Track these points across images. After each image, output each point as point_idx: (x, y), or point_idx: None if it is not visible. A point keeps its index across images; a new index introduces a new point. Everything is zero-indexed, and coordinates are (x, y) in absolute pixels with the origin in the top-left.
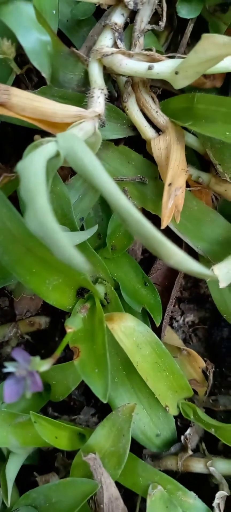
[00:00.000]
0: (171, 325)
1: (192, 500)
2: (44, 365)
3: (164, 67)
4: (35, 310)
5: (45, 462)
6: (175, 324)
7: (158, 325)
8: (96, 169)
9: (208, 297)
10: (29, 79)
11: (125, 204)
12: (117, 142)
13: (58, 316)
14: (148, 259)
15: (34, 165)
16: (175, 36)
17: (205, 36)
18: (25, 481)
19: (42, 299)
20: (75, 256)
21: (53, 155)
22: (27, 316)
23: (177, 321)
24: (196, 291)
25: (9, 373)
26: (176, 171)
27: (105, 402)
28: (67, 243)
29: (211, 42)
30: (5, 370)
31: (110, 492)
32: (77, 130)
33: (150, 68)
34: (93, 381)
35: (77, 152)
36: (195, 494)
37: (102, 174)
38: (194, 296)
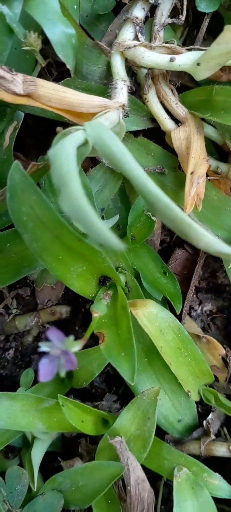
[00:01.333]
0: (189, 314)
1: (217, 481)
2: (76, 346)
3: (186, 59)
4: (56, 299)
5: (68, 449)
6: (193, 313)
7: (178, 312)
8: (125, 155)
9: (225, 287)
10: (50, 73)
11: (153, 189)
12: (135, 134)
13: (79, 306)
14: (166, 250)
15: (65, 151)
16: (190, 31)
17: (228, 27)
18: (48, 468)
19: (63, 289)
20: (110, 236)
21: (82, 143)
22: (49, 305)
23: (195, 310)
24: (213, 281)
25: (42, 354)
26: (198, 160)
27: (132, 384)
28: (102, 225)
29: None
30: (40, 350)
31: (136, 475)
32: (103, 120)
33: (171, 60)
34: (120, 364)
35: (105, 139)
36: (220, 476)
37: (131, 160)
38: (212, 286)
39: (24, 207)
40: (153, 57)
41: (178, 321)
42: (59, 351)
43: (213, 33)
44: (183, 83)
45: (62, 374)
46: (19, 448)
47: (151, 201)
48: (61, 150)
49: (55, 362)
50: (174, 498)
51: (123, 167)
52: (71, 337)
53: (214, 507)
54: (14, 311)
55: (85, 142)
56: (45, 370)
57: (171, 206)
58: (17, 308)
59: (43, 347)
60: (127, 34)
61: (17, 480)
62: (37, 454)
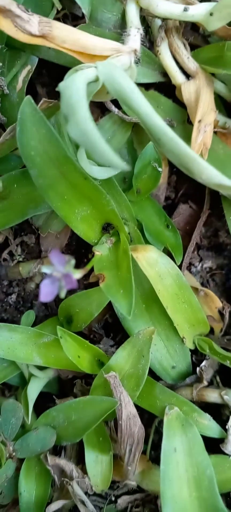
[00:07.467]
0: (189, 270)
1: (206, 421)
2: (77, 273)
3: (199, 9)
4: (60, 248)
5: (63, 391)
6: (193, 270)
7: (178, 263)
8: (134, 91)
9: (227, 245)
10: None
11: (160, 123)
12: (146, 87)
13: (82, 256)
14: (170, 206)
15: (76, 83)
16: None
17: None
18: (43, 408)
19: (67, 238)
20: (114, 157)
21: (93, 80)
22: None
23: (195, 266)
24: (215, 240)
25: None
26: (206, 110)
27: (129, 317)
28: (107, 147)
29: None
30: (42, 270)
31: (128, 410)
32: (115, 61)
33: (185, 9)
34: (119, 300)
35: (115, 77)
36: (210, 416)
37: (139, 96)
38: (213, 245)
39: (33, 140)
40: (167, 6)
41: (177, 268)
42: (61, 274)
43: None
44: (196, 43)
45: (63, 294)
46: (16, 387)
47: (157, 135)
48: (71, 83)
49: (56, 284)
50: (163, 432)
51: (132, 103)
52: (73, 260)
53: (201, 443)
54: (18, 257)
55: (96, 79)
56: (47, 290)
57: (176, 139)
58: (21, 254)
59: (45, 269)
60: None
61: (12, 413)
62: (33, 391)
